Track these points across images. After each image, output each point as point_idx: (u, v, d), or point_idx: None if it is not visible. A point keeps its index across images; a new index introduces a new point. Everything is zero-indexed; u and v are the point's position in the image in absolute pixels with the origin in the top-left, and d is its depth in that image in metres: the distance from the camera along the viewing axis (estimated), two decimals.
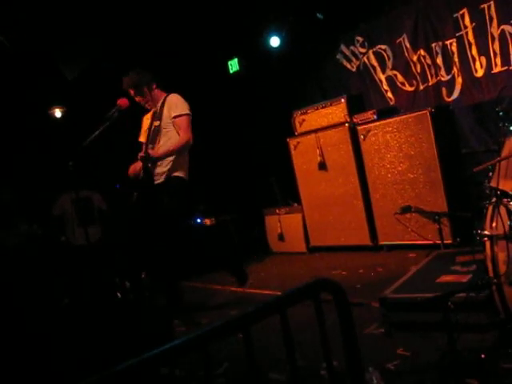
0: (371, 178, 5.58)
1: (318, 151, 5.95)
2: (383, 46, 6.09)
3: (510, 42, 5.01)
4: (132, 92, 4.69)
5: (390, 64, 6.06)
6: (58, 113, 6.86)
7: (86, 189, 6.34)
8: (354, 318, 1.77)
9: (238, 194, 7.08)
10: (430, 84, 5.73)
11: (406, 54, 5.86)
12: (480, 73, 5.29)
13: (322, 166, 5.93)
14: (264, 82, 7.10)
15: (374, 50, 6.18)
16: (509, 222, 2.70)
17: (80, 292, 5.35)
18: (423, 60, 5.73)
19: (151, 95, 4.74)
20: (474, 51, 5.29)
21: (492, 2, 5.07)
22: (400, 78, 5.97)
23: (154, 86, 4.75)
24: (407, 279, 3.72)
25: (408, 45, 5.83)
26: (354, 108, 5.79)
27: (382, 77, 6.15)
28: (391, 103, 6.06)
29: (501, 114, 2.77)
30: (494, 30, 5.10)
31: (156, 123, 4.66)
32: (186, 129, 4.62)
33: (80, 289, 5.42)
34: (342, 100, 5.80)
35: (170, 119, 4.63)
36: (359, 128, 5.59)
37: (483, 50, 5.22)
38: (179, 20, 6.32)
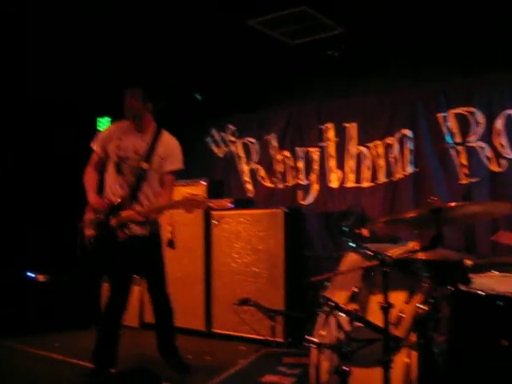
0: (216, 264, 5.59)
1: (169, 228, 5.87)
2: (252, 140, 6.31)
3: (363, 162, 5.44)
4: (133, 100, 4.04)
5: (255, 157, 6.27)
6: None
7: None
8: None
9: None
10: (288, 185, 5.98)
11: (272, 152, 6.11)
12: (335, 184, 5.64)
13: (171, 243, 5.84)
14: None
15: (243, 141, 6.38)
16: (336, 334, 2.79)
17: None
18: (286, 161, 6.00)
19: (145, 117, 4.12)
20: (333, 163, 5.65)
21: (355, 124, 5.53)
22: (262, 172, 6.17)
23: (150, 107, 4.13)
24: (232, 374, 3.71)
25: (275, 144, 6.09)
26: (213, 193, 5.84)
27: (246, 168, 6.33)
28: (249, 195, 6.21)
29: (344, 229, 2.92)
30: (352, 149, 5.52)
31: (144, 165, 4.03)
32: (173, 187, 4.23)
33: None
34: (203, 182, 5.84)
35: (161, 170, 4.10)
36: (214, 213, 5.63)
37: (340, 164, 5.61)
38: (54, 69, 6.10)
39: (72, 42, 5.40)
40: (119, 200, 4.04)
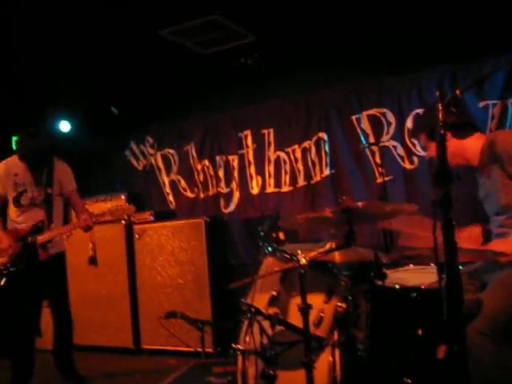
0: (141, 278, 5.49)
1: (90, 245, 5.73)
2: (171, 151, 6.26)
3: (283, 166, 5.51)
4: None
5: (175, 168, 6.22)
6: None
7: None
8: None
9: None
10: (210, 194, 5.96)
11: (192, 162, 6.08)
12: (255, 190, 5.67)
13: (93, 260, 5.70)
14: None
15: (162, 152, 6.32)
16: (260, 339, 2.79)
17: None
18: (207, 170, 5.99)
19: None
20: (252, 170, 5.69)
21: (272, 130, 5.58)
22: (183, 183, 6.13)
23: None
24: None
25: (194, 154, 6.06)
26: (134, 206, 5.76)
27: (166, 180, 6.27)
28: (171, 206, 6.15)
29: (262, 234, 2.94)
30: (271, 154, 5.58)
31: (49, 190, 4.33)
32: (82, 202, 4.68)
33: None
34: (123, 196, 5.76)
35: (63, 191, 4.45)
36: (135, 227, 5.55)
37: (260, 170, 5.65)
38: None
39: None
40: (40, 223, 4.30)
